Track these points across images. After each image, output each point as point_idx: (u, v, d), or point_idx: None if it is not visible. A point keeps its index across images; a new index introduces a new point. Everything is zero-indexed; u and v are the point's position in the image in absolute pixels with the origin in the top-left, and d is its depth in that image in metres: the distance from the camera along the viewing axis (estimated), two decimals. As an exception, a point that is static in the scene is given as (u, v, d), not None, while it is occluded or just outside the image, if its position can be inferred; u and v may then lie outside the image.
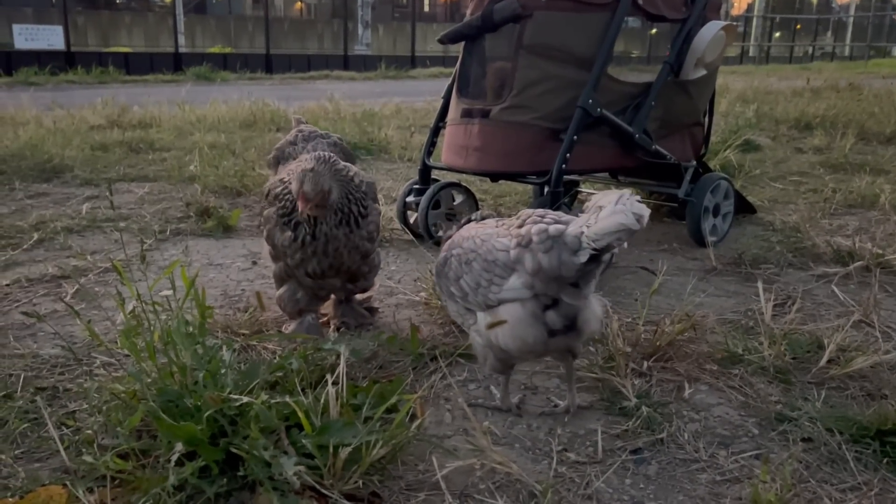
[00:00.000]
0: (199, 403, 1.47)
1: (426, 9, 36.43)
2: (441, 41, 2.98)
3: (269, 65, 18.02)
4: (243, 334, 2.08)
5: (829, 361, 1.97)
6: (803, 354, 2.03)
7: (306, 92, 11.03)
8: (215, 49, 20.50)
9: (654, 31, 3.60)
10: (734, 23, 3.41)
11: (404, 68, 19.06)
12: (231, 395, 1.46)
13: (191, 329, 1.67)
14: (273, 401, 1.51)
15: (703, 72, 3.00)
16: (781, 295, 2.55)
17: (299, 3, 32.73)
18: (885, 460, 1.57)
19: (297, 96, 9.74)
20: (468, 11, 2.88)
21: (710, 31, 2.94)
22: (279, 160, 2.38)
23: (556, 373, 1.96)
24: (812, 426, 1.69)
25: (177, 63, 16.53)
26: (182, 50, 18.42)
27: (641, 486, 1.50)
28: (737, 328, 2.26)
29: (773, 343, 2.03)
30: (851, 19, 39.91)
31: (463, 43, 2.93)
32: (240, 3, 30.35)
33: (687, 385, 1.88)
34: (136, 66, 15.82)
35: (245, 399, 1.44)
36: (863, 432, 1.64)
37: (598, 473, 1.53)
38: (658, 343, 2.00)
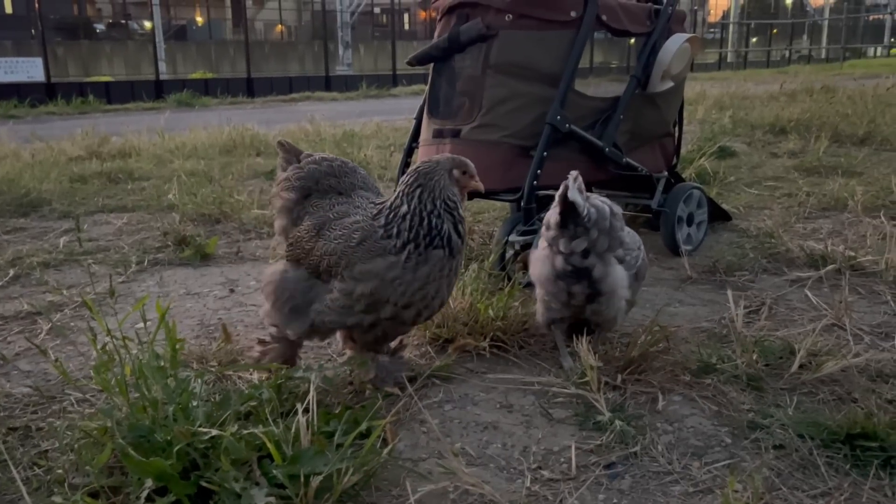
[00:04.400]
0: (170, 438, 1.47)
1: (406, 27, 36.69)
2: (410, 63, 3.01)
3: (250, 88, 18.05)
4: (217, 364, 2.08)
5: (800, 367, 1.99)
6: (776, 361, 2.05)
7: (288, 114, 11.06)
8: (197, 74, 20.53)
9: (632, 41, 3.63)
10: (698, 34, 3.45)
11: (386, 87, 19.14)
12: (200, 429, 1.46)
13: (162, 362, 1.68)
14: (245, 431, 1.51)
15: (670, 84, 3.04)
16: (755, 301, 2.57)
17: (280, 25, 32.89)
18: (850, 465, 1.58)
19: (279, 119, 9.77)
20: (436, 33, 2.92)
21: (675, 43, 2.98)
22: (310, 191, 1.96)
23: (532, 390, 1.97)
24: (784, 433, 1.71)
25: (158, 90, 16.52)
26: (163, 77, 18.43)
27: (615, 500, 1.51)
28: (711, 337, 2.28)
29: (745, 351, 2.05)
30: (826, 22, 40.48)
31: (432, 64, 2.96)
32: (220, 29, 30.46)
33: (661, 397, 1.89)
34: (117, 94, 15.80)
35: (214, 432, 1.44)
36: (833, 437, 1.66)
37: (572, 490, 1.53)
38: (632, 355, 2.01)
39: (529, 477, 1.57)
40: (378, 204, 1.88)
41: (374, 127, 8.07)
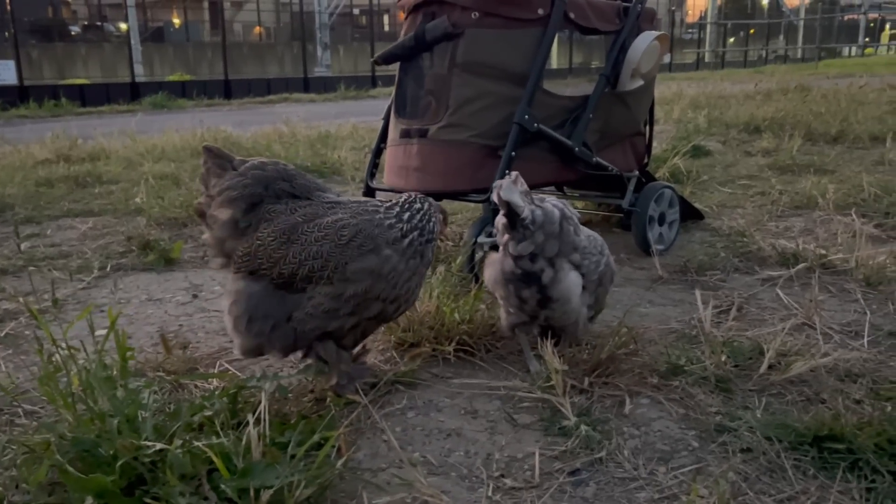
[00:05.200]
0: (114, 452, 1.41)
1: (386, 28, 36.55)
2: (376, 62, 2.96)
3: (228, 90, 17.88)
4: (174, 373, 2.01)
5: (769, 367, 1.96)
6: (745, 362, 2.02)
7: (264, 116, 10.95)
8: (174, 77, 20.29)
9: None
10: (667, 32, 3.43)
11: (364, 88, 19.05)
12: (145, 442, 1.40)
13: (111, 372, 1.61)
14: (195, 443, 1.45)
15: (640, 82, 3.01)
16: (726, 301, 2.55)
17: (258, 27, 32.65)
18: (817, 467, 1.55)
19: (254, 120, 9.67)
20: (402, 32, 2.87)
21: (645, 41, 2.95)
22: (260, 198, 1.80)
23: (498, 395, 1.92)
24: (751, 436, 1.67)
25: (134, 93, 16.30)
26: (140, 79, 18.19)
27: (578, 509, 1.47)
28: (680, 338, 2.25)
29: (714, 352, 2.02)
30: (802, 22, 40.99)
31: (399, 63, 2.91)
32: (197, 30, 30.14)
33: (628, 400, 1.85)
34: (91, 97, 15.55)
35: (160, 445, 1.38)
36: (801, 439, 1.63)
37: (534, 498, 1.49)
38: (600, 358, 1.97)
39: (491, 486, 1.53)
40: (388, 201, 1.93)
41: (350, 128, 7.99)
